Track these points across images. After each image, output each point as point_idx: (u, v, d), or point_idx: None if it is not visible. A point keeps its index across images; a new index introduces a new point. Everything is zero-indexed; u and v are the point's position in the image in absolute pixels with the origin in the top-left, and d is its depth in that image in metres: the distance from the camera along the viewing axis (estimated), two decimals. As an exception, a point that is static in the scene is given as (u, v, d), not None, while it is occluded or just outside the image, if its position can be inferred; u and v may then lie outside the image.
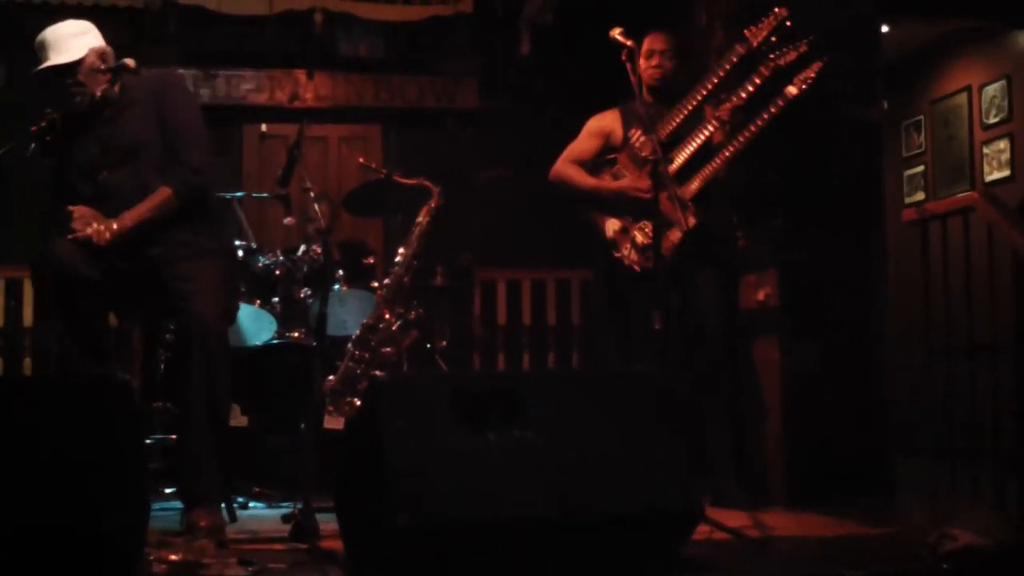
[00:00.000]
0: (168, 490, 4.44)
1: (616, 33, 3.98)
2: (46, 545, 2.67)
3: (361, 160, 5.32)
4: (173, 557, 3.11)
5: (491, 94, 7.47)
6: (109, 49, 3.89)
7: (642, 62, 4.58)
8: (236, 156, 7.46)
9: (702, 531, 3.22)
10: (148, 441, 4.66)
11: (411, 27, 7.20)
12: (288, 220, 5.49)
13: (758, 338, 4.92)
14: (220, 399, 3.74)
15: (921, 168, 7.90)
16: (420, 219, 4.91)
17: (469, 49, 7.38)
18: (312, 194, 4.83)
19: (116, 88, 3.86)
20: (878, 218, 4.98)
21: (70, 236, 3.63)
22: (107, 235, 3.66)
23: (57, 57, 3.77)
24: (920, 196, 7.79)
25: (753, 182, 4.61)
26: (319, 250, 5.21)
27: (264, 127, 6.50)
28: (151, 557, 3.05)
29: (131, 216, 3.72)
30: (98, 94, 3.81)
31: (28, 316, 6.45)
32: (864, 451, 4.74)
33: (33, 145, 3.61)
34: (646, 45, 4.62)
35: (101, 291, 3.71)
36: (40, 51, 3.79)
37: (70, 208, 3.68)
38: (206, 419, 3.67)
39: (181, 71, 6.58)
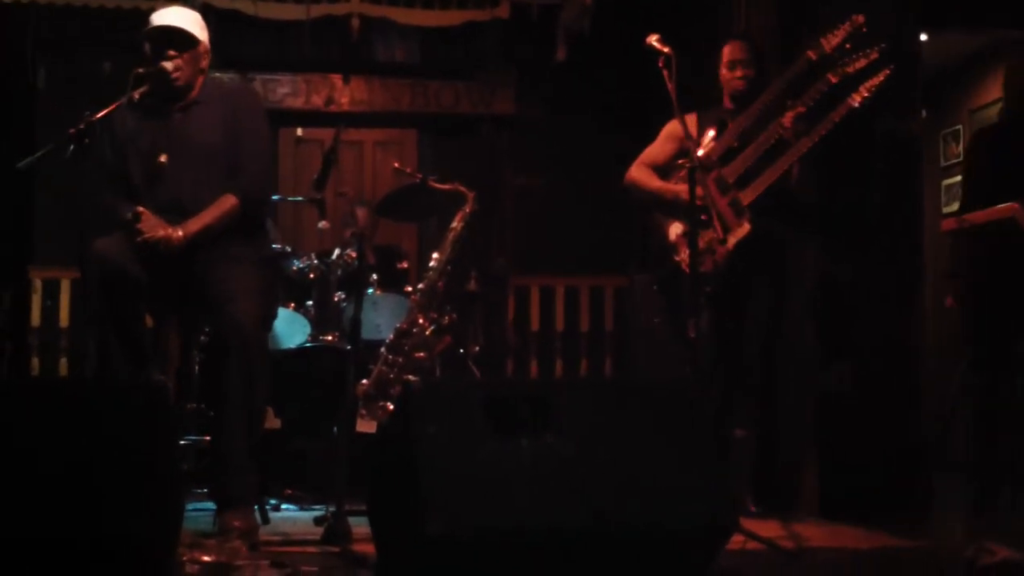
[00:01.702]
0: (201, 491, 4.45)
1: (653, 40, 3.95)
2: (80, 546, 2.68)
3: (396, 165, 5.32)
4: (206, 558, 3.12)
5: (526, 100, 7.46)
6: (211, 56, 3.98)
7: (724, 72, 4.64)
8: (271, 161, 7.48)
9: (736, 541, 3.19)
10: (182, 442, 4.68)
11: (447, 32, 7.20)
12: (323, 224, 5.49)
13: (794, 350, 4.89)
14: (256, 403, 3.75)
15: (959, 178, 7.82)
16: (455, 224, 4.91)
17: (505, 55, 7.37)
18: (349, 198, 4.84)
19: (197, 88, 3.92)
20: (916, 231, 4.94)
21: (139, 239, 3.68)
22: (174, 235, 3.71)
23: (180, 23, 3.84)
24: (958, 206, 7.70)
25: (777, 192, 4.57)
26: (353, 254, 5.22)
27: (300, 131, 6.54)
28: (184, 558, 3.06)
29: (197, 223, 3.77)
30: (181, 82, 3.87)
31: (64, 317, 6.51)
32: (900, 464, 4.70)
33: (72, 147, 3.63)
34: (727, 55, 4.65)
35: (145, 293, 3.75)
36: (158, 17, 3.87)
37: (138, 209, 3.72)
38: (242, 422, 3.69)
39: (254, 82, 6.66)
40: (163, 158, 3.84)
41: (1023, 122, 4.77)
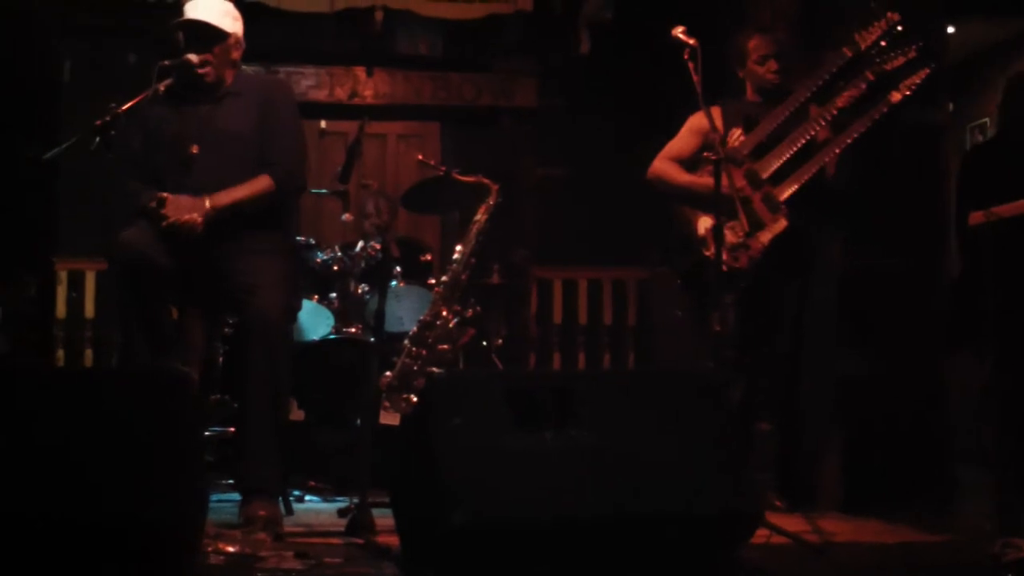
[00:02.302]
0: (225, 481, 4.47)
1: (678, 32, 3.93)
2: (105, 536, 2.69)
3: (420, 157, 5.32)
4: (231, 549, 3.13)
5: (549, 93, 7.45)
6: (244, 46, 3.97)
7: (754, 66, 4.58)
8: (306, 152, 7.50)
9: (760, 535, 3.18)
10: (206, 433, 4.69)
11: (470, 25, 7.19)
12: (346, 216, 5.51)
13: (816, 342, 4.86)
14: (280, 394, 3.77)
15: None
16: (478, 217, 4.91)
17: (527, 47, 7.36)
18: (372, 190, 4.84)
19: (229, 80, 3.93)
20: (941, 223, 4.90)
21: (164, 224, 3.69)
22: (199, 218, 3.71)
23: (210, 18, 3.84)
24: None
25: (812, 188, 4.54)
26: (377, 246, 5.23)
27: (323, 123, 6.55)
28: (209, 548, 3.07)
29: (227, 196, 3.78)
30: (210, 77, 3.88)
31: (89, 308, 6.54)
32: (924, 458, 4.67)
33: (97, 139, 3.65)
34: (755, 49, 4.58)
35: (170, 282, 3.76)
36: (190, 8, 3.87)
37: (162, 195, 3.73)
38: (266, 413, 3.70)
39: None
40: (194, 149, 3.85)
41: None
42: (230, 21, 3.92)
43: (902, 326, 4.75)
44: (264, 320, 3.70)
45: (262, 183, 3.84)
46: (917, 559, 3.51)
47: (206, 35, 3.86)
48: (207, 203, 3.75)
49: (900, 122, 4.77)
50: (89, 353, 6.56)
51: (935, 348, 4.80)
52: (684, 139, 4.71)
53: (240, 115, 3.91)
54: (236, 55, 3.96)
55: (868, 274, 4.76)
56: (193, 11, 3.88)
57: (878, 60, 4.40)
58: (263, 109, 3.94)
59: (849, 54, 4.42)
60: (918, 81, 4.36)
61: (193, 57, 3.86)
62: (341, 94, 7.33)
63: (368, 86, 7.36)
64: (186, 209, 3.72)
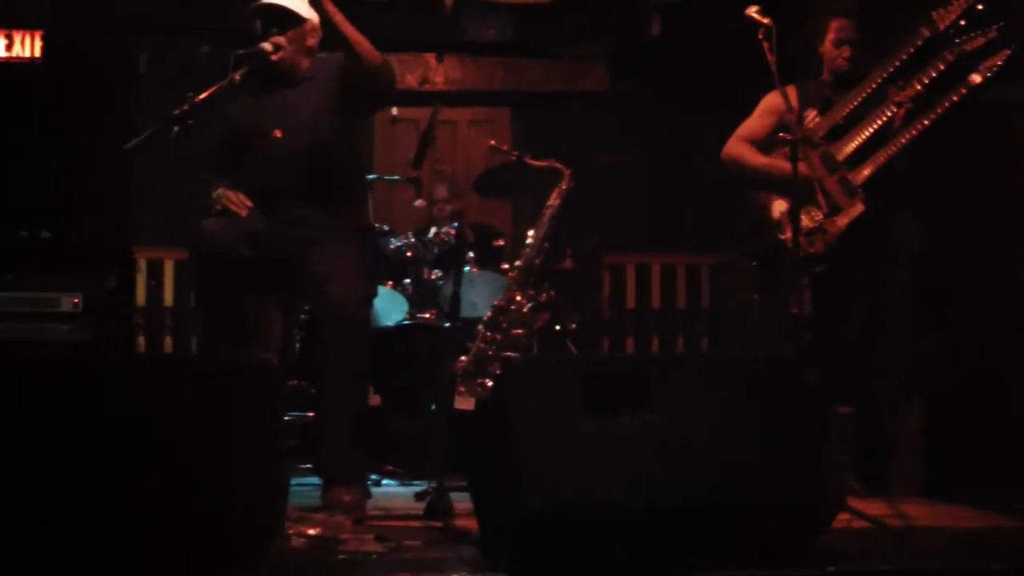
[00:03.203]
0: (304, 466, 4.52)
1: (752, 11, 3.89)
2: (189, 520, 2.73)
3: (492, 143, 5.32)
4: (311, 532, 3.17)
5: (619, 77, 7.41)
6: (320, 34, 3.99)
7: (830, 48, 4.54)
8: (367, 139, 7.54)
9: (841, 519, 3.15)
10: (285, 418, 4.75)
11: (540, 10, 7.16)
12: (419, 202, 5.53)
13: (894, 324, 4.80)
14: (359, 380, 3.80)
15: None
16: (551, 201, 4.89)
17: (597, 31, 7.33)
18: (445, 175, 4.86)
19: (305, 65, 3.96)
20: (1017, 200, 4.80)
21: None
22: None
23: (287, 3, 3.87)
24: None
25: (888, 171, 4.47)
26: (451, 232, 5.24)
27: (395, 110, 6.56)
28: (290, 532, 3.11)
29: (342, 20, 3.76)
30: (286, 63, 3.92)
31: (169, 296, 6.65)
32: (1007, 441, 4.59)
33: (176, 129, 3.69)
34: (835, 32, 4.54)
35: (250, 272, 3.81)
36: None
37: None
38: (346, 399, 3.74)
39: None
40: (277, 134, 3.89)
41: None
42: (306, 7, 3.94)
43: (982, 306, 4.67)
44: (341, 307, 3.73)
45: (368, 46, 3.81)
46: (1000, 544, 3.46)
47: (282, 19, 3.89)
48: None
49: (974, 100, 4.68)
50: (169, 340, 6.66)
51: (1015, 329, 4.71)
52: (758, 120, 4.67)
53: (318, 99, 3.94)
54: (312, 42, 3.99)
55: (945, 255, 4.69)
56: None
57: (957, 40, 4.31)
58: (340, 84, 3.94)
59: (927, 34, 4.33)
60: (999, 63, 4.27)
61: (267, 46, 3.89)
62: (412, 81, 7.36)
63: (439, 72, 7.38)
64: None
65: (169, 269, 6.67)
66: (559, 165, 4.93)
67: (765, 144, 4.61)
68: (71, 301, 5.57)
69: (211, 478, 2.75)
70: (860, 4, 4.88)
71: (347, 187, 4.00)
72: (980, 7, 4.27)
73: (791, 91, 4.45)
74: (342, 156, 3.98)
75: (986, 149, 4.77)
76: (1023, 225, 4.78)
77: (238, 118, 3.95)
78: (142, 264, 6.68)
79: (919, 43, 4.34)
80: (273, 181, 3.86)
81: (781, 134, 4.32)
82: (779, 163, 4.48)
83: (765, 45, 3.84)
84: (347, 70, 3.85)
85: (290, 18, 3.90)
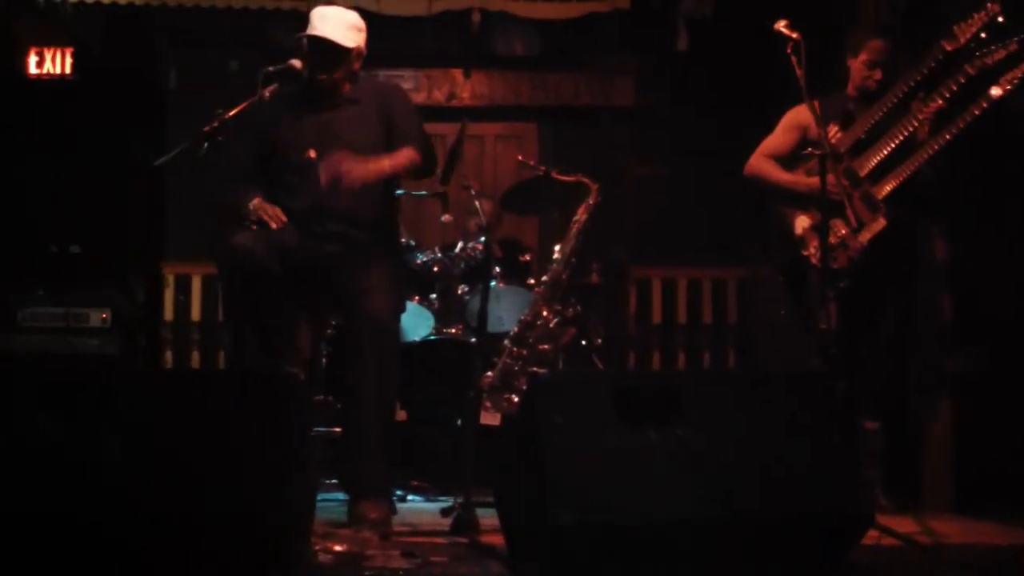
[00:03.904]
0: (330, 481, 4.52)
1: (781, 26, 3.89)
2: (218, 535, 2.74)
3: (520, 157, 5.32)
4: (338, 548, 3.17)
5: (647, 91, 7.40)
6: (364, 55, 4.02)
7: (861, 67, 4.51)
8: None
9: (870, 536, 3.12)
10: (312, 433, 4.75)
11: (567, 24, 7.16)
12: (446, 217, 5.53)
13: (923, 338, 4.77)
14: (390, 394, 3.81)
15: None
16: (579, 216, 4.89)
17: (625, 45, 7.32)
18: (473, 192, 4.86)
19: (347, 87, 3.99)
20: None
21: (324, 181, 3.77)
22: (360, 175, 3.78)
23: (335, 36, 3.88)
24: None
25: (911, 185, 4.45)
26: (477, 247, 5.24)
27: (422, 126, 6.56)
28: (317, 547, 3.11)
29: (379, 161, 3.85)
30: (327, 85, 3.95)
31: (196, 311, 6.68)
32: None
33: (205, 144, 3.71)
34: (869, 52, 4.50)
35: (280, 286, 3.82)
36: (319, 20, 3.91)
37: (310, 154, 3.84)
38: (377, 415, 3.75)
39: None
40: (312, 154, 3.91)
41: None
42: (354, 34, 3.95)
43: (1016, 321, 4.63)
44: (375, 322, 3.75)
45: (407, 152, 3.91)
46: (1033, 563, 3.43)
47: (329, 52, 3.90)
48: (369, 163, 3.82)
49: (1006, 110, 4.64)
50: (196, 355, 6.69)
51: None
52: (781, 135, 4.65)
53: (357, 123, 3.97)
54: (356, 66, 4.00)
55: (979, 269, 4.66)
56: (321, 25, 3.90)
57: (978, 54, 4.29)
58: (383, 118, 4.00)
59: (949, 48, 4.31)
60: (1020, 75, 4.24)
61: (296, 62, 3.91)
62: (439, 96, 7.38)
63: (466, 87, 7.39)
64: (348, 162, 3.77)
65: (197, 284, 6.71)
66: (586, 180, 4.92)
67: (788, 159, 4.59)
68: (100, 316, 5.62)
69: (239, 493, 2.76)
70: (903, 24, 4.87)
71: (381, 206, 4.02)
72: (1001, 20, 4.25)
73: (814, 105, 4.44)
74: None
75: (1021, 160, 4.73)
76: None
77: (273, 135, 3.97)
78: (170, 279, 6.72)
79: (940, 57, 4.32)
80: (308, 199, 3.88)
81: (809, 149, 4.31)
82: (802, 180, 4.47)
83: (793, 59, 3.84)
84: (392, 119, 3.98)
85: (337, 52, 3.91)
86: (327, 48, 3.88)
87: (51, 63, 6.73)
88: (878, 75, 4.49)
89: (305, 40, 3.94)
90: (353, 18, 3.99)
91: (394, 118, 4.01)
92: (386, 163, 3.87)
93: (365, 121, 3.98)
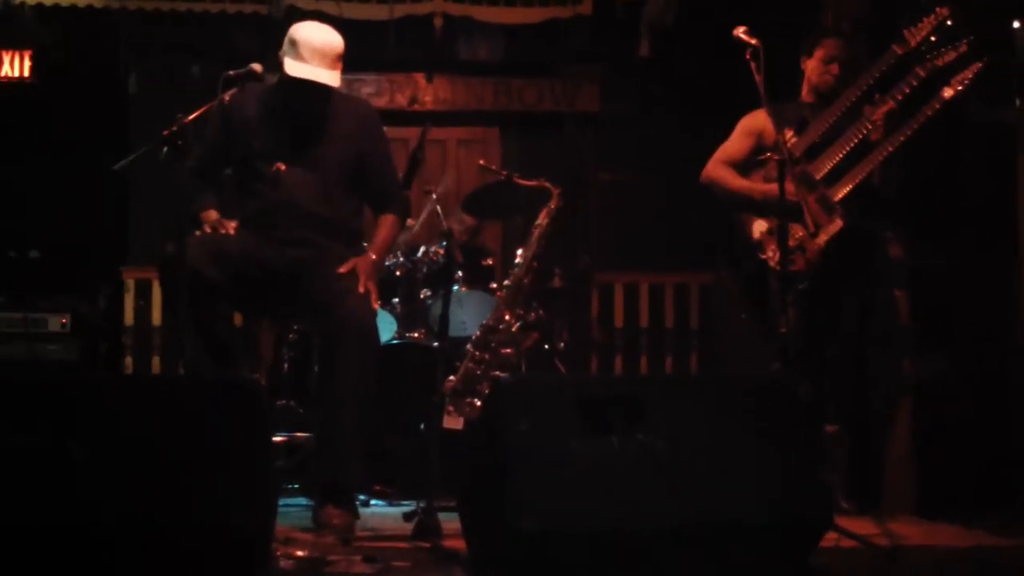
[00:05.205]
0: (291, 487, 4.50)
1: (740, 32, 3.92)
2: (178, 541, 2.72)
3: (482, 162, 5.33)
4: (300, 553, 3.15)
5: (610, 97, 7.43)
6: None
7: (818, 66, 4.57)
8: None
9: (829, 538, 3.14)
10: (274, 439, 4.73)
11: (530, 30, 7.19)
12: (408, 222, 5.53)
13: (888, 344, 4.81)
14: (371, 392, 3.79)
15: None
16: (540, 221, 4.91)
17: (588, 52, 7.35)
18: (434, 196, 4.85)
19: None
20: (1013, 223, 4.82)
21: (342, 269, 3.87)
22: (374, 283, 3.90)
23: (328, 79, 3.86)
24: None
25: (866, 189, 4.50)
26: (440, 251, 5.24)
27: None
28: (278, 553, 3.09)
29: (378, 249, 4.04)
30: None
31: (156, 316, 6.64)
32: (998, 460, 4.60)
33: (165, 149, 3.69)
34: (824, 52, 4.56)
35: (226, 294, 3.80)
36: (307, 53, 3.85)
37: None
38: (357, 412, 3.73)
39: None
40: (281, 167, 3.90)
41: None
42: (338, 67, 3.91)
43: (977, 326, 4.69)
44: (358, 324, 3.75)
45: (389, 223, 4.12)
46: (990, 563, 3.45)
47: (318, 88, 3.88)
48: (373, 257, 3.98)
49: (967, 120, 4.71)
50: (156, 361, 6.65)
51: (1011, 349, 4.72)
52: (737, 141, 4.69)
53: (330, 140, 3.97)
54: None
55: (940, 275, 4.71)
56: (311, 56, 3.84)
57: (928, 56, 4.35)
58: (360, 139, 4.02)
59: (899, 51, 4.38)
60: (971, 76, 4.31)
61: (257, 67, 3.89)
62: (401, 100, 7.37)
63: (428, 92, 7.39)
64: (367, 273, 3.89)
65: (157, 289, 6.65)
66: (548, 184, 4.94)
67: (744, 165, 4.63)
68: (59, 321, 5.57)
69: (199, 499, 2.74)
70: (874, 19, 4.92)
71: (345, 209, 4.02)
72: (950, 23, 4.31)
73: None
74: (348, 187, 4.03)
75: (984, 169, 4.79)
76: (1018, 243, 4.81)
77: (245, 141, 3.95)
78: (130, 284, 6.67)
79: (892, 61, 4.38)
80: (277, 206, 3.87)
81: (768, 154, 4.35)
82: (759, 185, 4.51)
83: (752, 65, 3.87)
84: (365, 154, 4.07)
85: (324, 92, 3.92)
86: (319, 87, 3.87)
87: (9, 66, 6.67)
88: (835, 70, 4.54)
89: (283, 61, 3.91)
90: (340, 47, 3.92)
91: (371, 164, 4.07)
92: (382, 250, 4.10)
93: (339, 140, 3.99)
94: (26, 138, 6.47)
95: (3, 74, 6.58)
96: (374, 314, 3.90)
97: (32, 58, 6.68)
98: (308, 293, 3.87)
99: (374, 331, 3.85)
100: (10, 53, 6.63)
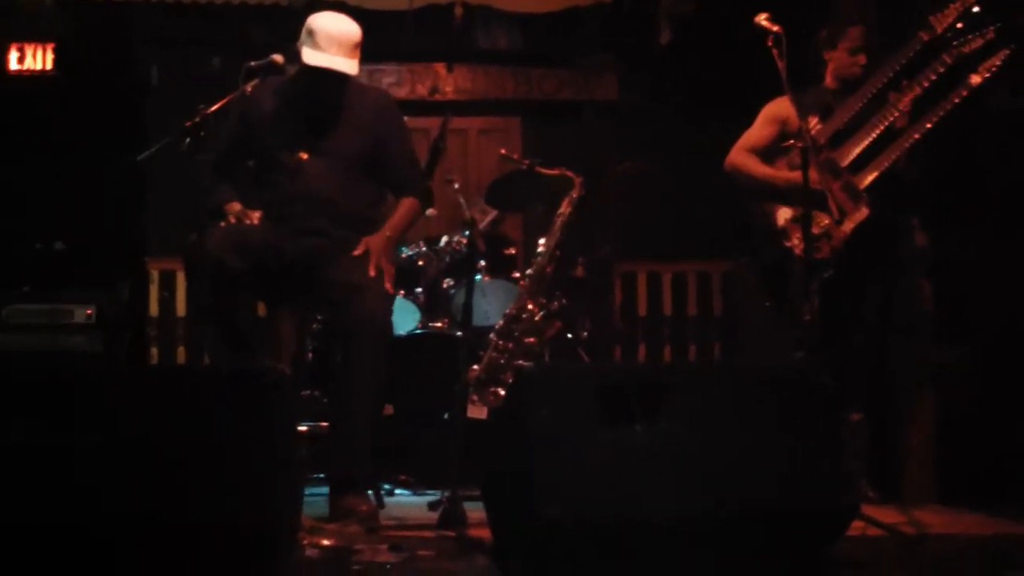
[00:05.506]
0: (316, 476, 4.52)
1: (762, 19, 3.90)
2: (204, 531, 2.74)
3: (503, 151, 5.33)
4: (325, 542, 3.17)
5: (630, 86, 7.42)
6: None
7: (844, 56, 4.54)
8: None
9: (855, 527, 3.13)
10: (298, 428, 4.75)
11: (550, 19, 7.18)
12: (430, 212, 5.53)
13: (911, 333, 4.79)
14: (381, 389, 3.81)
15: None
16: (563, 209, 4.90)
17: (607, 41, 7.34)
18: (458, 187, 4.84)
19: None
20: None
21: (356, 252, 3.89)
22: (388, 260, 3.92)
23: (346, 67, 3.87)
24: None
25: (892, 176, 4.47)
26: (463, 241, 5.25)
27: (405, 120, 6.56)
28: (304, 542, 3.11)
29: (393, 227, 4.01)
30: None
31: (181, 307, 6.67)
32: (1020, 448, 4.57)
33: (187, 140, 3.71)
34: (851, 40, 4.54)
35: (249, 283, 3.81)
36: (326, 43, 3.86)
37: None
38: (369, 409, 3.75)
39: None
40: (303, 156, 3.91)
41: None
42: (356, 56, 3.92)
43: (999, 315, 4.66)
44: (372, 317, 3.76)
45: (411, 205, 4.09)
46: (1016, 551, 3.44)
47: (337, 78, 3.89)
48: (387, 234, 3.96)
49: (990, 109, 4.67)
50: (182, 351, 6.68)
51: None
52: (760, 129, 4.67)
53: (349, 130, 3.98)
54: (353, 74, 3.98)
55: (963, 263, 4.69)
56: (330, 49, 3.84)
57: (955, 43, 4.31)
58: (377, 128, 4.03)
59: (926, 38, 4.34)
60: (998, 63, 4.28)
61: (278, 57, 3.90)
62: (422, 91, 7.38)
63: (449, 82, 7.39)
64: (380, 251, 3.89)
65: (181, 280, 6.68)
66: (570, 173, 4.93)
67: (767, 152, 4.61)
68: (84, 312, 5.59)
69: (225, 489, 2.75)
70: (879, 18, 4.89)
71: (366, 200, 4.03)
72: (977, 9, 4.28)
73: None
74: (367, 177, 4.02)
75: (1005, 157, 4.76)
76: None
77: (264, 131, 3.96)
78: (155, 275, 6.70)
79: (918, 47, 4.35)
80: (296, 196, 3.89)
81: (791, 141, 4.33)
82: (783, 173, 4.49)
83: (775, 52, 3.85)
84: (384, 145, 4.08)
85: (343, 79, 3.93)
86: (337, 76, 3.88)
87: (32, 59, 6.69)
88: (862, 59, 4.51)
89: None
90: (358, 36, 3.93)
91: (390, 152, 4.07)
92: (398, 229, 4.06)
93: (357, 130, 4.00)
94: (50, 130, 6.49)
95: (27, 67, 6.61)
96: (390, 304, 3.92)
97: (54, 51, 6.71)
98: (325, 283, 3.88)
99: (388, 328, 3.88)
100: (33, 46, 6.66)
